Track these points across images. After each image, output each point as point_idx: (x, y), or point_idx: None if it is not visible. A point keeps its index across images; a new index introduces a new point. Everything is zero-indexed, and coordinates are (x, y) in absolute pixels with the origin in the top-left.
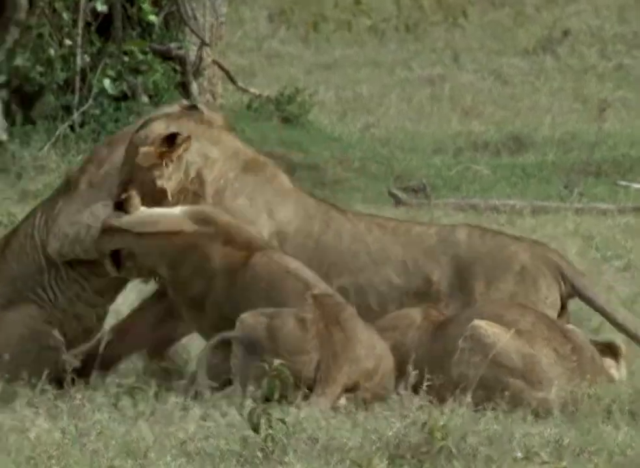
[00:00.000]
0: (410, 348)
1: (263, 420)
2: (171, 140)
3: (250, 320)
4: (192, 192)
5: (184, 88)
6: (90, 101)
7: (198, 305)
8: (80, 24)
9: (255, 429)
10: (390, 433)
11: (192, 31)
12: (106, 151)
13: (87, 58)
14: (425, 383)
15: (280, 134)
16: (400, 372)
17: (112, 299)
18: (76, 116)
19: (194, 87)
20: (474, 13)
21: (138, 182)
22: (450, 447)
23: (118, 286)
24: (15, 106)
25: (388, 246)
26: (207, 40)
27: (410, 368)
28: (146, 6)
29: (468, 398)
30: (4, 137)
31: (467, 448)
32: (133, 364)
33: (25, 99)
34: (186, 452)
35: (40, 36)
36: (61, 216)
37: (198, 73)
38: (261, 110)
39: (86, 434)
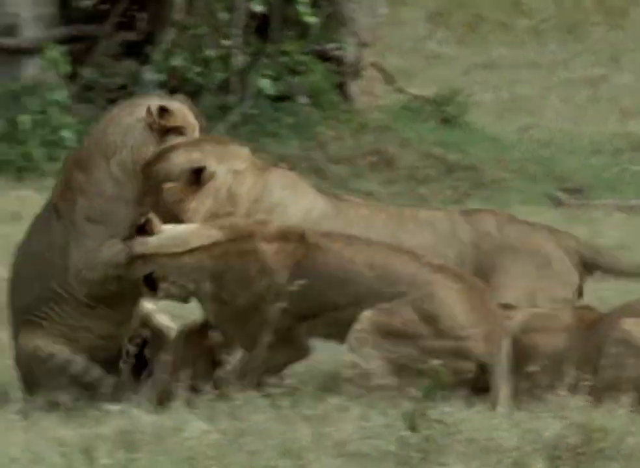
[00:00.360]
0: (563, 350)
1: (421, 421)
2: (197, 175)
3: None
4: (225, 214)
5: (342, 89)
6: (249, 102)
7: (245, 314)
8: (238, 24)
9: (414, 429)
10: (548, 434)
11: (351, 32)
12: (81, 176)
13: (245, 59)
14: (583, 384)
15: (438, 134)
16: (554, 373)
17: (128, 310)
18: (234, 116)
19: (352, 88)
20: (635, 14)
21: (161, 213)
22: (608, 448)
23: (132, 298)
24: None
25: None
26: (365, 41)
27: (566, 368)
28: (304, 7)
29: (626, 399)
30: None
31: (625, 449)
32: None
33: None
34: (344, 452)
35: (198, 36)
36: (74, 258)
37: (356, 73)
38: (419, 110)
39: (244, 435)
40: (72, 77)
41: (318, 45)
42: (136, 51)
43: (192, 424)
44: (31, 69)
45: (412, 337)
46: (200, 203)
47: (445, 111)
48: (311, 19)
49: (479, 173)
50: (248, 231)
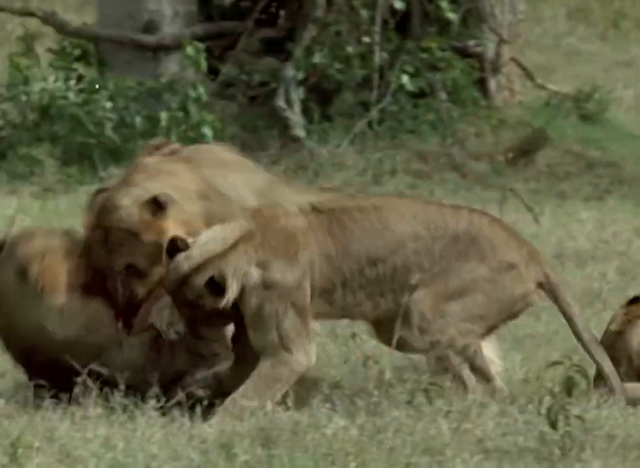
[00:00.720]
0: None
1: (561, 417)
2: (156, 206)
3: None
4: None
5: (482, 85)
6: (388, 98)
7: (290, 296)
8: (378, 21)
9: (553, 426)
10: None
11: (491, 28)
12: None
13: (385, 55)
14: None
15: (578, 131)
16: None
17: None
18: (374, 113)
19: (492, 84)
20: None
21: (143, 259)
22: None
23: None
24: (313, 103)
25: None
26: (505, 37)
27: None
28: (445, 3)
29: None
30: (302, 134)
31: None
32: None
33: (322, 96)
34: (483, 449)
35: (338, 33)
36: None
37: (496, 70)
38: (559, 107)
39: (383, 431)
40: (212, 74)
41: (458, 41)
42: (276, 48)
43: (331, 420)
44: (171, 66)
45: (473, 284)
46: (177, 222)
47: (585, 108)
48: (451, 16)
49: (619, 170)
50: (272, 214)
